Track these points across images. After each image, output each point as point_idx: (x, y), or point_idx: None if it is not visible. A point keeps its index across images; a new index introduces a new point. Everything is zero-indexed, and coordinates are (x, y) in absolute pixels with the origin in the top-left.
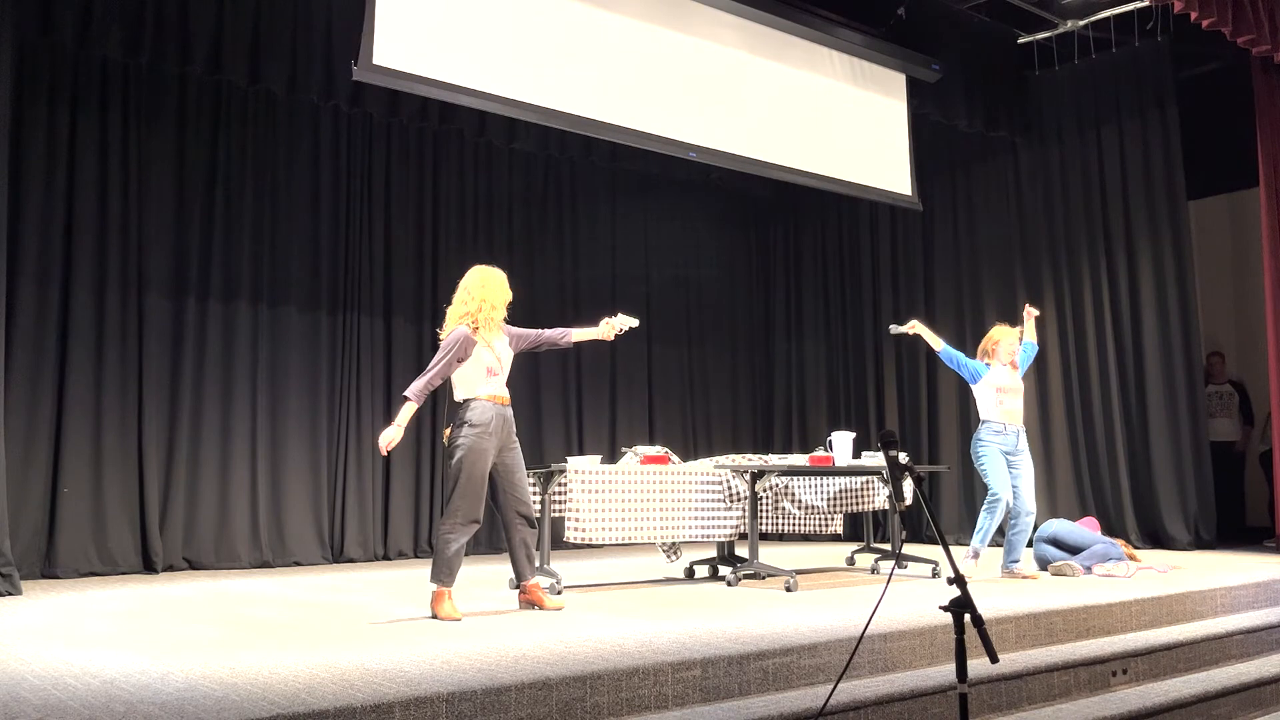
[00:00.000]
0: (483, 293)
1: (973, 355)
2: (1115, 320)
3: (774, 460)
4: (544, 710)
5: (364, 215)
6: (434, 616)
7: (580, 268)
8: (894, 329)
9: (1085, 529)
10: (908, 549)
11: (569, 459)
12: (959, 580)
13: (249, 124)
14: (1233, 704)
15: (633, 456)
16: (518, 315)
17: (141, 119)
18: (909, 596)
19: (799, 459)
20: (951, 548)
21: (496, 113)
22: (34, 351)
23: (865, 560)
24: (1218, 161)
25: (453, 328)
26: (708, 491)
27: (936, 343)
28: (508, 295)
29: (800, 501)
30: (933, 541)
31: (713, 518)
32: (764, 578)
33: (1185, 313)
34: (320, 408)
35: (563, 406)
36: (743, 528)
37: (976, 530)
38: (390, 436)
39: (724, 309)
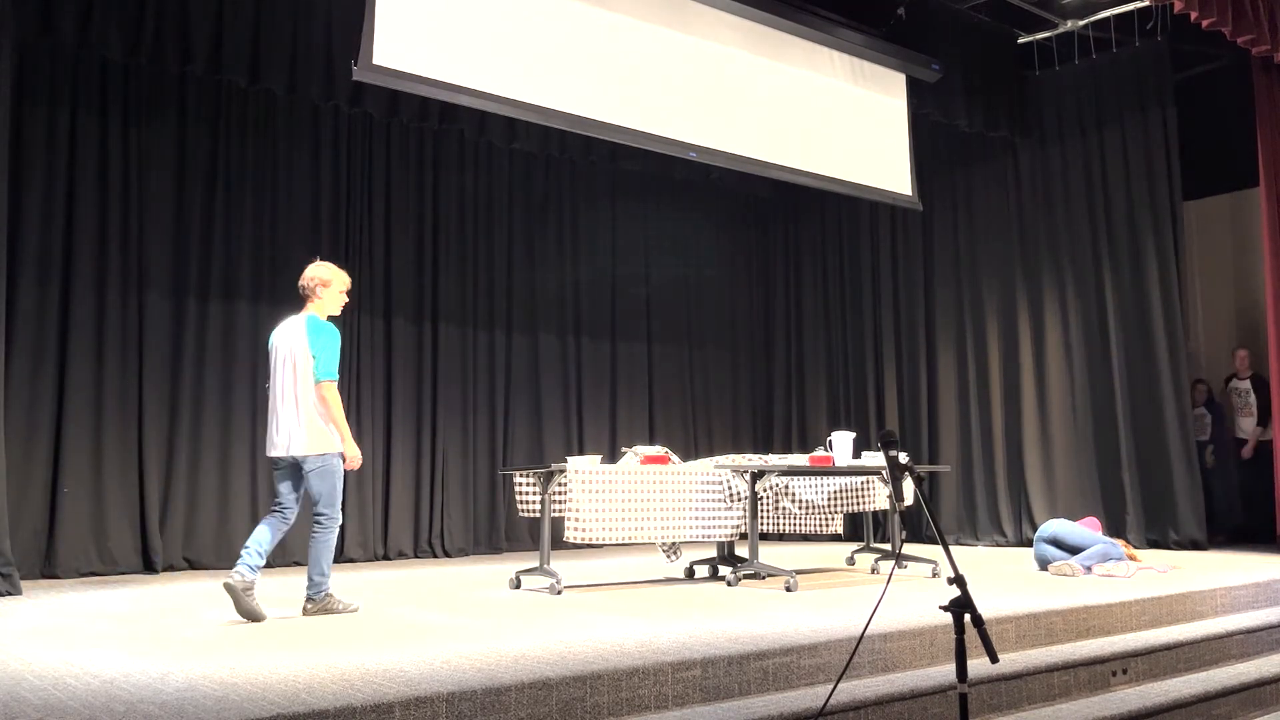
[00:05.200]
0: None
1: None
2: (1118, 319)
3: (774, 460)
4: (544, 710)
5: (364, 215)
6: None
7: (580, 268)
8: None
9: (1086, 529)
10: (908, 549)
11: (569, 459)
12: (959, 580)
13: (249, 124)
14: (1233, 704)
15: (633, 456)
16: (518, 315)
17: (141, 119)
18: (909, 596)
19: (799, 459)
20: (953, 548)
21: (496, 113)
22: (34, 351)
23: (865, 560)
24: (1218, 161)
25: None
26: (708, 491)
27: None
28: None
29: (800, 500)
30: (933, 541)
31: (713, 518)
32: (764, 578)
33: (1185, 311)
34: None
35: (563, 406)
36: (743, 528)
37: None
38: None
39: (724, 309)
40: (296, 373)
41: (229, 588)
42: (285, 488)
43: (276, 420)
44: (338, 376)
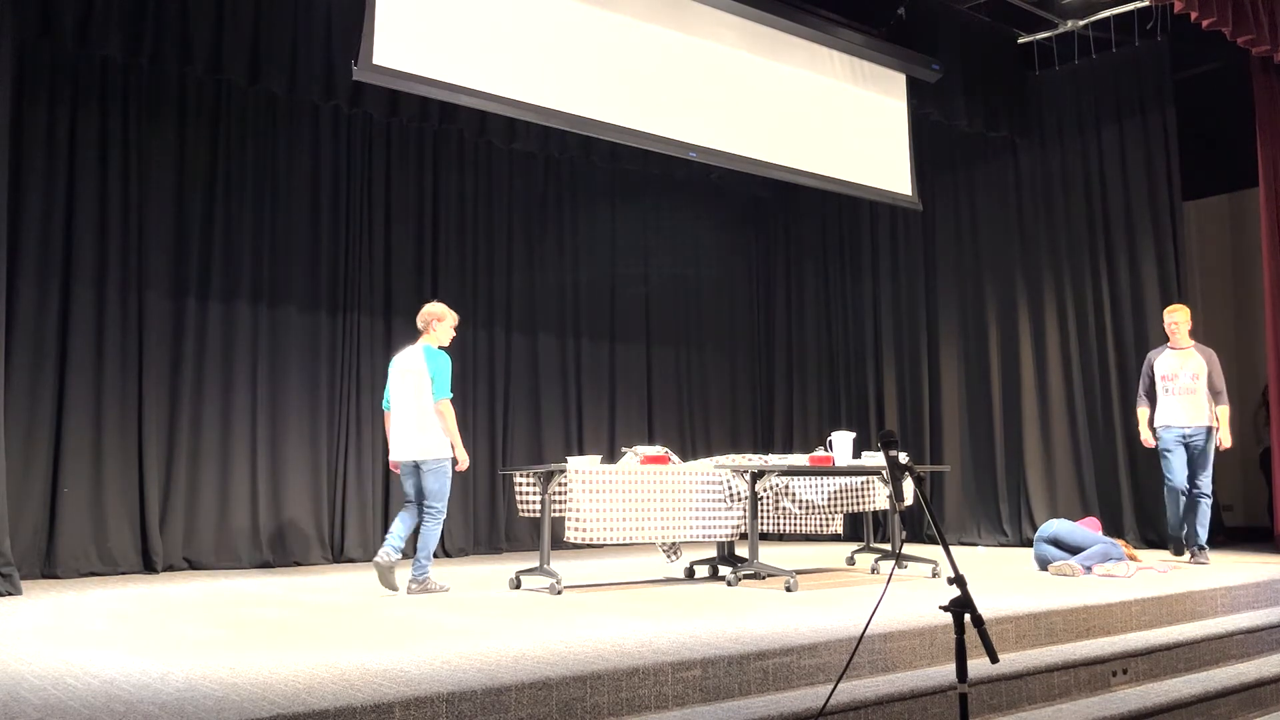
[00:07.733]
0: None
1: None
2: (1115, 319)
3: (774, 460)
4: (544, 710)
5: (364, 215)
6: None
7: (580, 268)
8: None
9: (1086, 529)
10: (908, 549)
11: (569, 459)
12: (959, 580)
13: (249, 124)
14: (1233, 704)
15: (633, 456)
16: (518, 316)
17: (141, 119)
18: (909, 596)
19: (799, 459)
20: (953, 548)
21: (496, 113)
22: (34, 351)
23: (865, 560)
24: (1218, 161)
25: None
26: (708, 491)
27: None
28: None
29: (800, 500)
30: (933, 541)
31: (713, 518)
32: (764, 578)
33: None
34: (320, 408)
35: (562, 406)
36: (743, 527)
37: None
38: None
39: (724, 309)
40: (416, 391)
41: (377, 565)
42: (409, 485)
43: (399, 431)
44: (451, 395)
